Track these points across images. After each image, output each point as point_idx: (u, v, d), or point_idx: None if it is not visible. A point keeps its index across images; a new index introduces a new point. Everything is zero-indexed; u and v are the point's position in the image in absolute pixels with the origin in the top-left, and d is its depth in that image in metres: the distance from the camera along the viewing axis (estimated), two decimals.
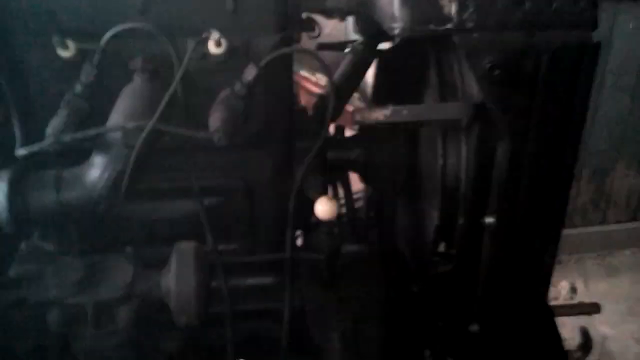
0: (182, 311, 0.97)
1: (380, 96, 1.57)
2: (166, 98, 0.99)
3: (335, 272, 1.32)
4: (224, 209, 1.20)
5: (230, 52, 1.08)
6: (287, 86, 1.22)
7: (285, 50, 1.09)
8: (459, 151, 1.19)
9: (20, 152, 0.98)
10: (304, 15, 1.35)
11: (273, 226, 1.25)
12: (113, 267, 1.00)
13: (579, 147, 1.14)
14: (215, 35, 1.03)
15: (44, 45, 1.04)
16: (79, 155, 1.02)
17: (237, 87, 1.06)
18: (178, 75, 1.04)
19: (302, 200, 1.23)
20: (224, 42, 1.06)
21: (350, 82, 1.55)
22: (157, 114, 0.97)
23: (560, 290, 3.01)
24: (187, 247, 1.00)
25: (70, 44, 1.04)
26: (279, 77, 1.17)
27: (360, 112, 1.17)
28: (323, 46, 1.64)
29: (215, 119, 1.02)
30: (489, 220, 1.19)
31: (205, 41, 1.05)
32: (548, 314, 1.43)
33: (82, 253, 1.10)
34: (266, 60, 1.07)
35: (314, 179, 1.21)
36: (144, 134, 0.96)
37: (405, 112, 1.16)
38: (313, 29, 1.39)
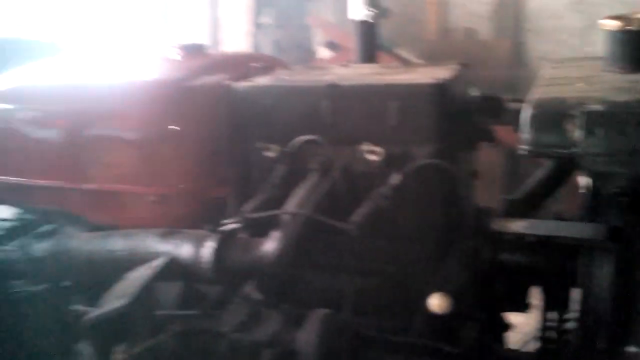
0: None
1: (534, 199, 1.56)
2: (320, 193, 1.27)
3: None
4: (377, 289, 1.40)
5: (388, 158, 1.31)
6: (442, 190, 1.36)
7: (425, 162, 1.27)
8: (601, 272, 1.15)
9: (225, 222, 1.38)
10: (484, 126, 1.50)
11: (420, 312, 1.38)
12: (270, 317, 1.30)
13: None
14: (369, 146, 1.28)
15: (260, 147, 1.45)
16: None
17: (384, 189, 1.28)
18: (339, 176, 1.31)
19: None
20: (380, 151, 1.30)
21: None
22: (311, 205, 1.26)
23: None
24: (320, 313, 1.24)
25: (274, 147, 1.41)
26: (433, 182, 1.34)
27: (499, 222, 1.24)
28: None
29: (358, 214, 1.25)
30: (631, 349, 1.11)
31: (363, 150, 1.31)
32: None
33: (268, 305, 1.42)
34: (410, 169, 1.26)
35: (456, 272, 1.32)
36: (301, 219, 1.25)
37: (542, 228, 1.19)
38: (493, 140, 1.51)
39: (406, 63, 1.75)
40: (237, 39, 5.02)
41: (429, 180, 1.33)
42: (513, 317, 1.57)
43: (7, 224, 1.91)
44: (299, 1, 4.98)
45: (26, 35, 2.71)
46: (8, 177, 1.66)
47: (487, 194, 1.67)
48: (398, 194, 1.28)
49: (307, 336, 1.21)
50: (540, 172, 1.61)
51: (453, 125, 1.37)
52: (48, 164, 1.60)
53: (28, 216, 1.89)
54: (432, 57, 4.50)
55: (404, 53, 4.52)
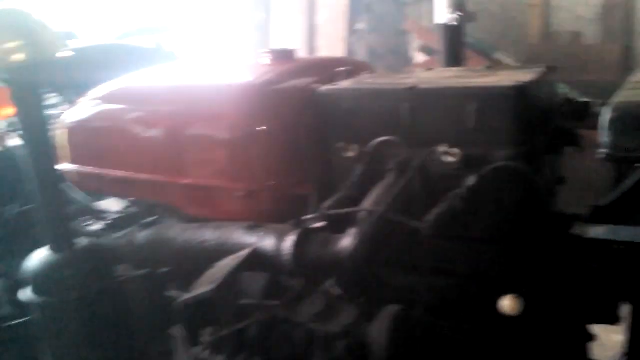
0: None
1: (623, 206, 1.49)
2: (396, 192, 1.31)
3: None
4: (449, 289, 1.41)
5: (465, 160, 1.33)
6: (519, 193, 1.35)
7: (502, 164, 1.27)
8: None
9: (307, 217, 1.45)
10: (570, 130, 1.47)
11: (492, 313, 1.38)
12: (345, 311, 1.35)
13: None
14: (444, 147, 1.30)
15: (340, 147, 1.51)
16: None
17: (460, 190, 1.30)
18: (415, 176, 1.34)
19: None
20: (457, 152, 1.31)
21: None
22: (387, 204, 1.30)
23: None
24: (393, 309, 1.27)
25: (354, 147, 1.47)
26: (510, 185, 1.33)
27: (579, 227, 1.22)
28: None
29: (432, 214, 1.27)
30: None
31: (440, 152, 1.33)
32: None
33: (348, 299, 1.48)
34: (486, 171, 1.27)
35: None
36: (375, 217, 1.29)
37: (626, 234, 1.16)
38: (578, 144, 1.48)
39: (496, 66, 1.77)
40: (332, 45, 5.14)
41: (506, 182, 1.33)
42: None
43: (116, 215, 2.11)
44: (395, 7, 5.01)
45: (143, 43, 2.95)
46: (117, 171, 1.83)
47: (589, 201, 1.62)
48: (474, 195, 1.29)
49: (378, 330, 1.25)
50: (632, 177, 1.55)
51: (535, 129, 1.36)
52: (151, 160, 1.76)
53: (134, 208, 2.08)
54: (535, 62, 4.36)
55: (505, 57, 4.43)
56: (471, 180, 1.28)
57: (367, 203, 1.37)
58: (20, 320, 1.91)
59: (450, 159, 1.33)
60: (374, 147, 1.43)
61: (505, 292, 1.24)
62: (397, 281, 1.48)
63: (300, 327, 1.36)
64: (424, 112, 1.40)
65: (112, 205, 2.22)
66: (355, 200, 1.44)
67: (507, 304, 1.19)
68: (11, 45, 1.49)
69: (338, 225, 1.40)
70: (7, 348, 2.01)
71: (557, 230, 1.40)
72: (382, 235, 1.34)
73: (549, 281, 1.33)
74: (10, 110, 2.09)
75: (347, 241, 1.35)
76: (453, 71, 1.79)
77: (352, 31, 5.08)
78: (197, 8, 5.48)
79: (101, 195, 2.26)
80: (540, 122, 1.39)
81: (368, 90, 1.51)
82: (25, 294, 1.64)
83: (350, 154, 1.48)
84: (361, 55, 4.91)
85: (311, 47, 5.23)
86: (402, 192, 1.36)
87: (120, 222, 2.04)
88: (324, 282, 1.51)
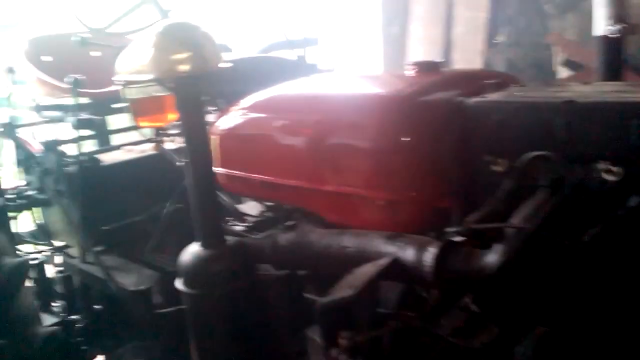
0: None
1: None
2: (548, 210, 1.26)
3: None
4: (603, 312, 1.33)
5: (627, 179, 1.24)
6: None
7: None
8: None
9: (450, 230, 1.43)
10: None
11: None
12: (486, 327, 1.31)
13: None
14: (605, 165, 1.23)
15: (487, 161, 1.48)
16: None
17: (620, 210, 1.22)
18: (571, 194, 1.28)
19: None
20: (618, 171, 1.24)
21: None
22: (538, 221, 1.25)
23: None
24: (539, 330, 1.22)
25: (503, 162, 1.43)
26: None
27: None
28: None
29: (588, 233, 1.21)
30: None
31: (600, 169, 1.26)
32: None
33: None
34: None
35: None
36: (524, 234, 1.25)
37: None
38: None
39: None
40: (469, 58, 5.03)
41: None
42: None
43: (258, 218, 2.23)
44: (538, 19, 4.81)
45: (286, 55, 3.09)
46: (262, 176, 1.93)
47: None
48: (636, 216, 1.21)
49: (524, 351, 1.21)
50: None
51: None
52: (294, 166, 1.83)
53: (272, 212, 2.18)
54: None
55: None
56: (634, 200, 1.20)
57: (516, 219, 1.32)
58: (171, 309, 2.07)
59: (611, 177, 1.25)
60: (525, 161, 1.38)
61: None
62: (542, 301, 1.41)
63: (439, 340, 1.34)
64: (581, 127, 1.34)
65: (251, 208, 2.34)
66: (502, 215, 1.40)
67: None
68: (179, 56, 1.63)
69: (482, 241, 1.37)
70: (160, 333, 2.19)
71: None
72: (530, 253, 1.29)
73: None
74: (173, 116, 2.28)
75: (492, 257, 1.32)
76: (612, 86, 1.68)
77: (490, 44, 4.94)
78: (336, 23, 5.64)
79: (241, 198, 2.40)
80: None
81: (520, 103, 1.47)
82: (178, 285, 1.77)
83: (498, 167, 1.44)
84: (499, 68, 4.76)
85: (447, 61, 5.16)
86: (555, 209, 1.30)
87: (261, 224, 2.15)
88: (463, 296, 1.48)
